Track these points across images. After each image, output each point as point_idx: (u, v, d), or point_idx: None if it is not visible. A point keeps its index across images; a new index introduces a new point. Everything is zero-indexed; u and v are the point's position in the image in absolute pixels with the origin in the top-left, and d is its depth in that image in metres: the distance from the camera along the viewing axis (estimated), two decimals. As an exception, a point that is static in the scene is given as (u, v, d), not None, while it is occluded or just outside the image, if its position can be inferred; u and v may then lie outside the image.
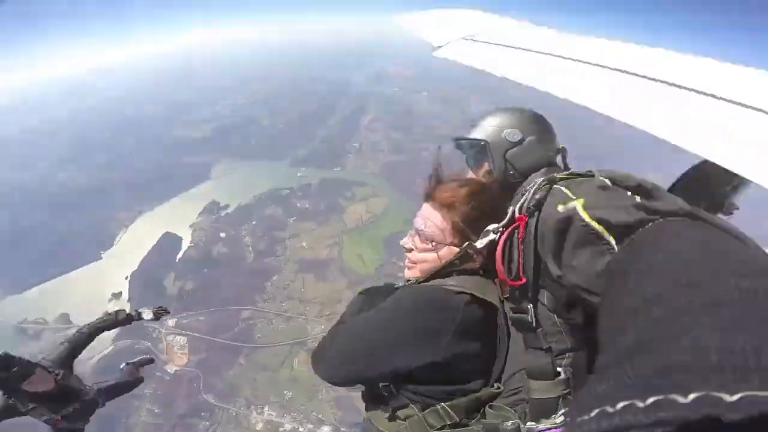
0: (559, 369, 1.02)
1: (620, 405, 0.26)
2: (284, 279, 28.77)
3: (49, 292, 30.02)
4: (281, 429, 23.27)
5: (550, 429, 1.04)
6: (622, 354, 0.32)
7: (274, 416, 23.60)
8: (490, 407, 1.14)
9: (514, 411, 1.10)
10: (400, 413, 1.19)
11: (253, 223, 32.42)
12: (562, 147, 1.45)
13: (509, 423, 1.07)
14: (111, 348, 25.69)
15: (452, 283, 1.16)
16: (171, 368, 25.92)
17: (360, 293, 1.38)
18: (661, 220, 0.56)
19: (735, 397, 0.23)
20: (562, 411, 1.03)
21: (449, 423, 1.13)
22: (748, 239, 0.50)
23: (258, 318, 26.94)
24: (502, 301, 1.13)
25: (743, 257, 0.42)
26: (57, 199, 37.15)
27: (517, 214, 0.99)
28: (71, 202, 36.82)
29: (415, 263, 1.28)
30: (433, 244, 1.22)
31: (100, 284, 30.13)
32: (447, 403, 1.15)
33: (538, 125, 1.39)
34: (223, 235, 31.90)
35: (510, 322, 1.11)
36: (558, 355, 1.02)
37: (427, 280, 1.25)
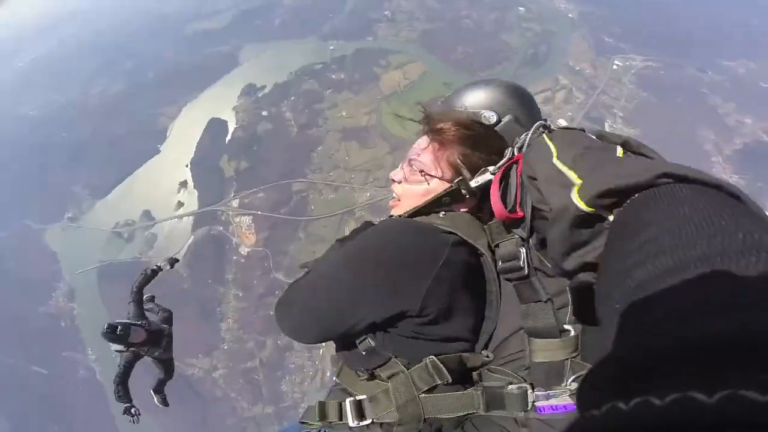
0: (565, 325, 0.87)
1: (634, 402, 0.23)
2: (328, 149, 30.01)
3: (126, 191, 33.18)
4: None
5: (560, 402, 0.86)
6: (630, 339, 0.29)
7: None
8: (489, 370, 0.97)
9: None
10: (381, 372, 0.99)
11: (292, 98, 32.73)
12: (543, 120, 1.32)
13: (514, 387, 0.91)
14: (191, 238, 29.11)
15: (439, 221, 1.04)
16: (243, 250, 28.61)
17: (337, 240, 1.21)
18: (653, 188, 0.48)
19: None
20: (573, 377, 0.86)
21: (441, 383, 0.94)
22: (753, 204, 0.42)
23: (309, 189, 29.05)
24: (492, 250, 0.98)
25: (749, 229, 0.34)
26: (101, 108, 38.34)
27: (515, 153, 0.97)
28: (115, 107, 38.07)
29: (401, 198, 1.18)
30: (424, 174, 1.11)
31: (166, 176, 32.77)
32: (438, 357, 0.95)
33: (516, 101, 1.23)
34: (264, 113, 32.76)
35: (500, 273, 0.97)
36: (560, 308, 0.88)
37: (410, 216, 1.12)
